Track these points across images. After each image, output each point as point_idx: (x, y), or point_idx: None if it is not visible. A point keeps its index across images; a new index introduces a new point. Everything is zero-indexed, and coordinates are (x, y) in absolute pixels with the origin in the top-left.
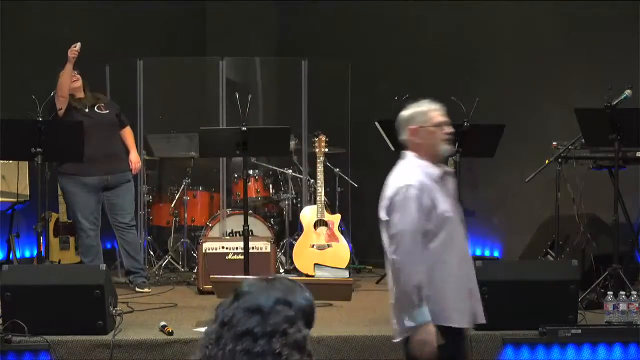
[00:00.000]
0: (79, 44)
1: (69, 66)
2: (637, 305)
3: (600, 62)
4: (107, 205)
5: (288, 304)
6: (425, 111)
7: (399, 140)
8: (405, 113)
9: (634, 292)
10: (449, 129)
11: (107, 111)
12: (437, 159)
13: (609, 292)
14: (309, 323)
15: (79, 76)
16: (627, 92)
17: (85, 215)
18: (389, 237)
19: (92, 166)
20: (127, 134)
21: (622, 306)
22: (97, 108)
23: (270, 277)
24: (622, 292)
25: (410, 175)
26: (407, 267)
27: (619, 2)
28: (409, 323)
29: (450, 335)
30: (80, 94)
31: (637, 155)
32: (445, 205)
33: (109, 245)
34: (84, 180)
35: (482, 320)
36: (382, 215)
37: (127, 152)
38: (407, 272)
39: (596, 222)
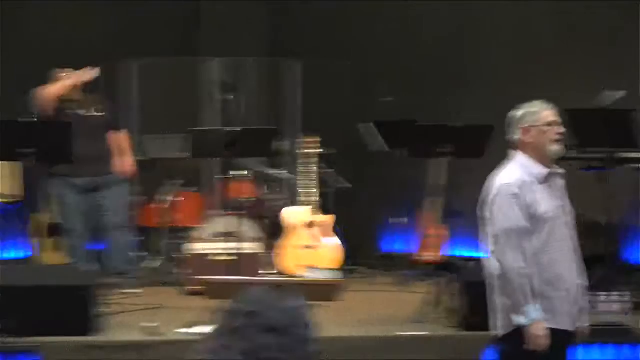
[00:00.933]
0: (96, 71)
1: (67, 84)
2: (626, 306)
3: (594, 63)
4: (97, 206)
5: (300, 321)
6: (537, 111)
7: (508, 139)
8: (517, 112)
9: (620, 293)
10: (560, 129)
11: (102, 113)
12: (546, 159)
13: (598, 293)
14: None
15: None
16: (619, 93)
17: (72, 217)
18: (492, 236)
19: (81, 167)
20: (123, 138)
21: (611, 307)
22: (91, 110)
23: (279, 288)
24: (611, 293)
25: (511, 174)
26: (514, 266)
27: (617, 2)
28: (519, 320)
29: (556, 337)
30: (77, 96)
31: (627, 156)
32: (546, 206)
33: (98, 246)
34: (73, 182)
35: (583, 323)
36: (485, 213)
37: (117, 155)
38: (514, 271)
39: (586, 223)
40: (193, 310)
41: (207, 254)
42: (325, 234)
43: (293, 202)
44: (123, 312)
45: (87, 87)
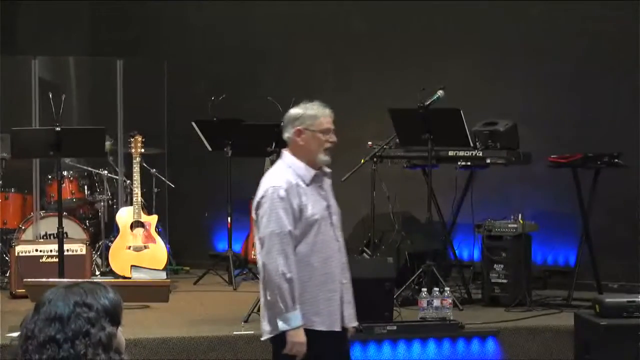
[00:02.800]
0: None
1: None
2: (450, 301)
3: (414, 64)
4: None
5: (87, 305)
6: (315, 115)
7: (284, 137)
8: (295, 111)
9: (447, 289)
10: (333, 138)
11: None
12: (314, 165)
13: (423, 289)
14: (114, 321)
15: None
16: (440, 92)
17: None
18: (258, 240)
19: None
20: None
21: (436, 302)
22: None
23: (71, 284)
24: (436, 289)
25: (279, 176)
26: (278, 271)
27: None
28: (282, 327)
29: (314, 338)
30: None
31: (449, 154)
32: (313, 208)
33: None
34: None
35: (351, 323)
36: (253, 214)
37: None
38: (278, 276)
39: (410, 220)
40: (19, 314)
41: (31, 256)
42: (149, 235)
43: (117, 202)
44: None
45: None
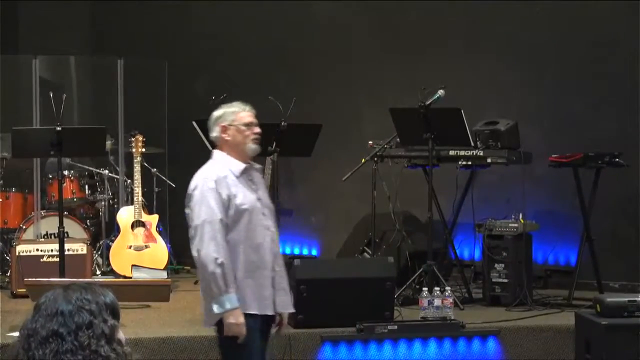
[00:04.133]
0: None
1: None
2: (451, 300)
3: (415, 62)
4: None
5: (88, 300)
6: (236, 111)
7: (210, 138)
8: (217, 112)
9: (447, 288)
10: (257, 129)
11: None
12: (244, 157)
13: (424, 288)
14: (115, 315)
15: None
16: (440, 92)
17: None
18: (192, 229)
19: None
20: None
21: (437, 302)
22: None
23: (67, 284)
24: (437, 288)
25: (210, 170)
26: (210, 257)
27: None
28: (218, 310)
29: (247, 321)
30: None
31: (450, 154)
32: (242, 198)
33: None
34: None
35: (285, 309)
36: (186, 208)
37: None
38: (210, 262)
39: (411, 220)
40: (20, 314)
41: (32, 256)
42: (150, 234)
43: (118, 201)
44: None
45: None
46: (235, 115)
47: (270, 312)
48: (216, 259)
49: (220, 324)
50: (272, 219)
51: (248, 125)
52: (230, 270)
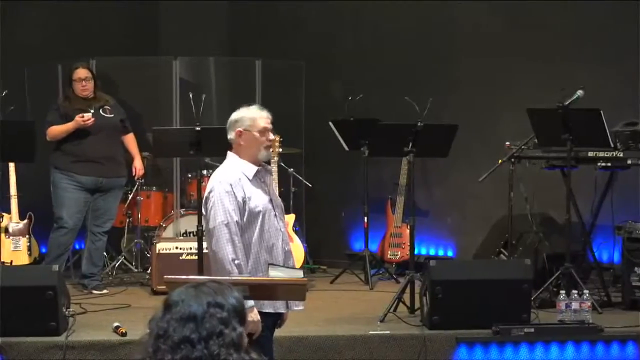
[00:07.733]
0: (90, 119)
1: (70, 127)
2: (589, 304)
3: (550, 62)
4: (92, 207)
5: (220, 306)
6: (254, 117)
7: (229, 139)
8: (235, 115)
9: (586, 291)
10: (270, 137)
11: (112, 115)
12: (256, 163)
13: (561, 291)
14: (242, 321)
15: (88, 85)
16: (580, 92)
17: (70, 213)
18: (208, 231)
19: (88, 166)
20: (131, 140)
21: (575, 305)
22: (102, 110)
23: (198, 283)
24: (575, 291)
25: (226, 172)
26: (227, 258)
27: (568, 2)
28: None
29: (262, 319)
30: (90, 95)
31: (589, 155)
32: (258, 200)
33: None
34: (78, 179)
35: (296, 307)
36: (203, 210)
37: (125, 158)
38: (227, 262)
39: (549, 222)
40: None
41: (171, 253)
42: (287, 233)
43: None
44: (87, 311)
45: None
46: (252, 122)
47: (283, 310)
48: (233, 259)
49: None
50: (284, 219)
51: (263, 132)
52: (245, 270)
